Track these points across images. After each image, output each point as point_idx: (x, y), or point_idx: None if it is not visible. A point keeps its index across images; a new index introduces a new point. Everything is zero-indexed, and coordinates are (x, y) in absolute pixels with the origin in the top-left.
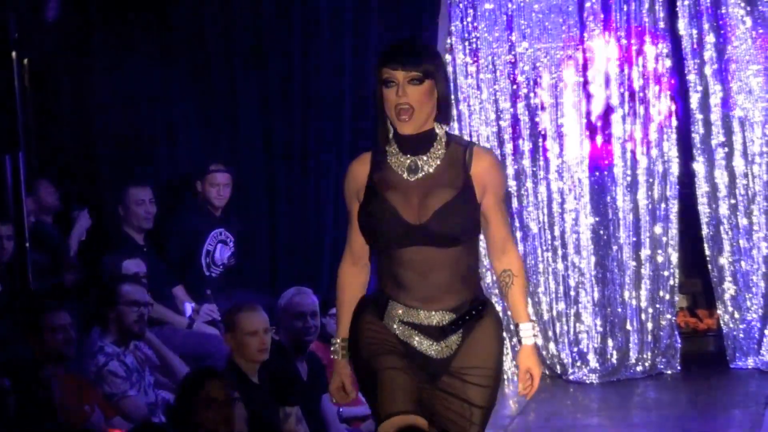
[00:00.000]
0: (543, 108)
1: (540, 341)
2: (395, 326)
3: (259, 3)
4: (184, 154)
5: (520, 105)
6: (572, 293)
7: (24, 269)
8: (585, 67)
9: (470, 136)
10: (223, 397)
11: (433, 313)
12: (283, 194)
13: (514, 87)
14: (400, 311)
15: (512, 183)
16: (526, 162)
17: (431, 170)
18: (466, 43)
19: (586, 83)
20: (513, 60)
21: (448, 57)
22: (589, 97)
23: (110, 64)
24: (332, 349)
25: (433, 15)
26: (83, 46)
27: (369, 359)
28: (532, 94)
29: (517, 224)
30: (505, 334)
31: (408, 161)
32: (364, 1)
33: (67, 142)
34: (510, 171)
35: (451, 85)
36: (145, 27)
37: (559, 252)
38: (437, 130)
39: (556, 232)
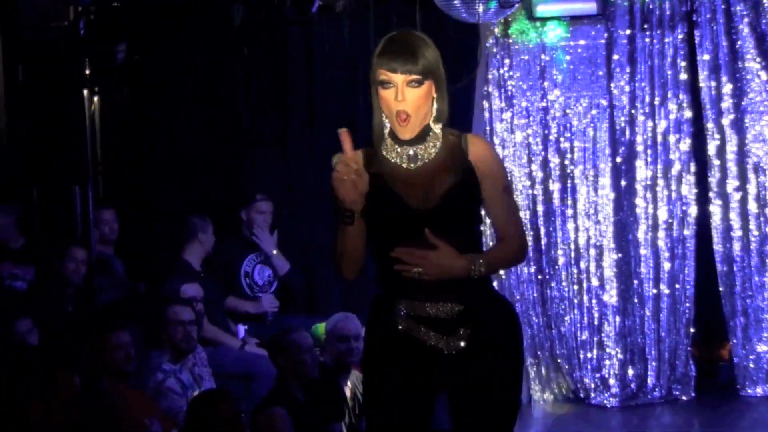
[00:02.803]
0: (572, 152)
1: (478, 273)
2: (402, 323)
3: (283, 46)
4: (229, 184)
5: (551, 149)
6: (596, 323)
7: (91, 291)
8: (611, 115)
9: None
10: (229, 416)
11: (440, 304)
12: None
13: (546, 132)
14: (407, 306)
15: (542, 221)
16: (556, 202)
17: (431, 157)
18: (502, 90)
19: (612, 130)
20: (545, 106)
21: (485, 103)
22: (614, 142)
23: (174, 104)
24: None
25: (472, 64)
26: (149, 86)
27: (376, 377)
28: (562, 139)
29: (545, 259)
30: None
31: (406, 151)
32: None
33: (131, 174)
34: (540, 209)
35: (478, 112)
36: (205, 72)
37: (584, 285)
38: (434, 127)
39: (582, 267)
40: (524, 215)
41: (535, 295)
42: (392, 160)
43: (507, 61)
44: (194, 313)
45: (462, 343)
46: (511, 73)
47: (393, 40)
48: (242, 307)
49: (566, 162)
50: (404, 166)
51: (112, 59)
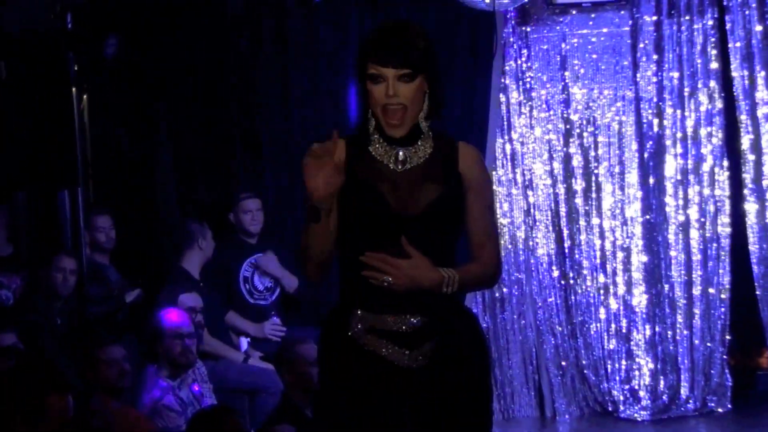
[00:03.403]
0: (596, 147)
1: (451, 289)
2: (361, 337)
3: (284, 37)
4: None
5: (573, 144)
6: (624, 331)
7: (82, 303)
8: (638, 107)
9: (523, 174)
10: None
11: (402, 317)
12: None
13: (568, 126)
14: (367, 319)
15: (564, 222)
16: (579, 201)
17: (420, 162)
18: (520, 83)
19: (639, 123)
20: (566, 99)
21: (502, 97)
22: (641, 136)
23: (168, 100)
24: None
25: (488, 55)
26: (141, 82)
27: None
28: (585, 134)
29: (568, 263)
30: None
31: (394, 151)
32: None
33: (124, 177)
34: (562, 210)
35: (493, 109)
36: (202, 67)
37: (611, 290)
38: (423, 125)
39: (609, 271)
40: (545, 216)
41: (559, 301)
42: (379, 158)
43: (525, 51)
44: (193, 324)
45: (426, 359)
46: (529, 64)
47: (383, 30)
48: (242, 327)
49: (590, 158)
50: (391, 166)
51: (102, 54)
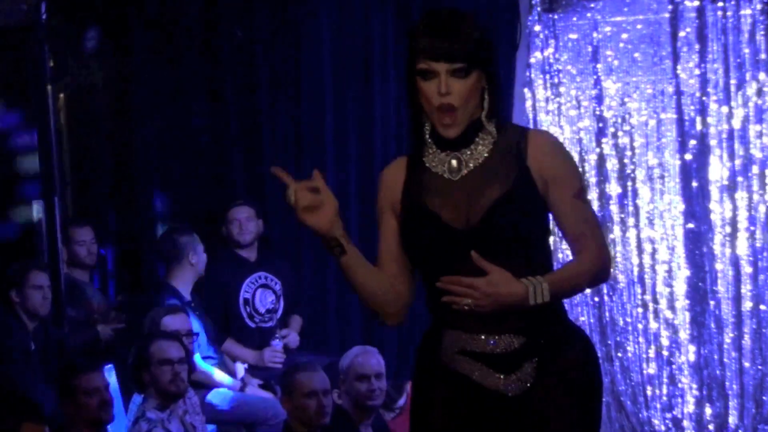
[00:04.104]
0: (632, 148)
1: (541, 299)
2: (454, 361)
3: (320, 42)
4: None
5: (607, 145)
6: (665, 353)
7: (59, 325)
8: (678, 103)
9: None
10: None
11: (498, 337)
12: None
13: (600, 125)
14: (458, 340)
15: None
16: (614, 208)
17: (478, 164)
18: (548, 77)
19: (680, 121)
20: (599, 95)
21: (527, 92)
22: (683, 135)
23: (153, 99)
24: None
25: (511, 46)
26: (124, 79)
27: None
28: (620, 133)
29: None
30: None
31: (449, 158)
32: None
33: (105, 185)
34: None
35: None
36: (191, 61)
37: (651, 308)
38: (485, 122)
39: (647, 286)
40: None
41: (592, 320)
42: (433, 170)
43: (552, 41)
44: (184, 349)
45: (524, 384)
46: (557, 56)
47: (432, 19)
48: (241, 355)
49: (625, 161)
50: (445, 176)
51: (81, 48)
